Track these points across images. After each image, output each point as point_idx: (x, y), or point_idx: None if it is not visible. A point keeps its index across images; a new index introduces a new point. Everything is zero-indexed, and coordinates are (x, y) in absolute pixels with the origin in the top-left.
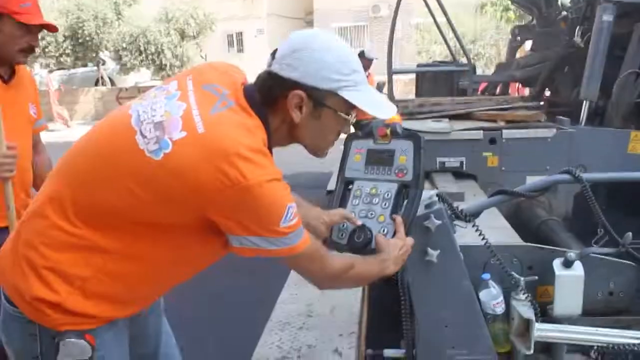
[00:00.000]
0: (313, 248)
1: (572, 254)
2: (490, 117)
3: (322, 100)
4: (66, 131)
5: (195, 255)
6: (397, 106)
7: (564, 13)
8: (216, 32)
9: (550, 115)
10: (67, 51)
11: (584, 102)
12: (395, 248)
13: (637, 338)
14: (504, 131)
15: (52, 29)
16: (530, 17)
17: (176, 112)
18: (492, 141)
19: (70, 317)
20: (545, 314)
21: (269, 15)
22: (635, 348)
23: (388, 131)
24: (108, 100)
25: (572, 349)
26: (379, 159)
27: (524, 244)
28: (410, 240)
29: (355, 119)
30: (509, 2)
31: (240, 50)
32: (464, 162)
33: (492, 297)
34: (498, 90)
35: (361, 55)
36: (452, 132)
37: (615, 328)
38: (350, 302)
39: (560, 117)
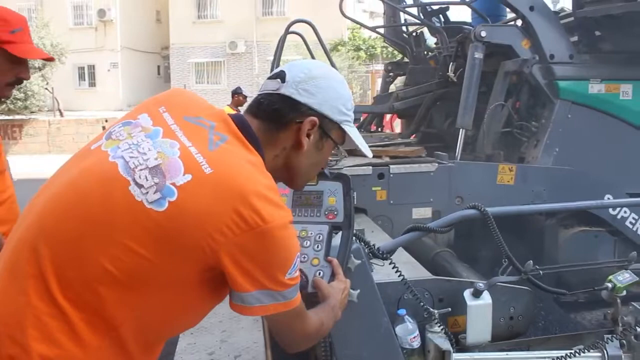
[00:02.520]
0: (302, 305)
1: (481, 284)
2: (375, 153)
3: (329, 131)
4: None
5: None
6: None
7: (432, 53)
8: (66, 65)
9: (426, 148)
10: None
11: (460, 131)
12: (339, 292)
13: (539, 357)
14: (391, 166)
15: (49, 59)
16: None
17: (171, 153)
18: (381, 176)
19: None
20: (457, 343)
21: (123, 49)
22: None
23: None
24: None
25: None
26: (307, 201)
27: (434, 277)
28: (349, 282)
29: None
30: (360, 43)
31: (92, 84)
32: (355, 197)
33: (408, 331)
34: (372, 127)
35: (238, 92)
36: (343, 168)
37: (518, 350)
38: (252, 347)
39: (438, 152)
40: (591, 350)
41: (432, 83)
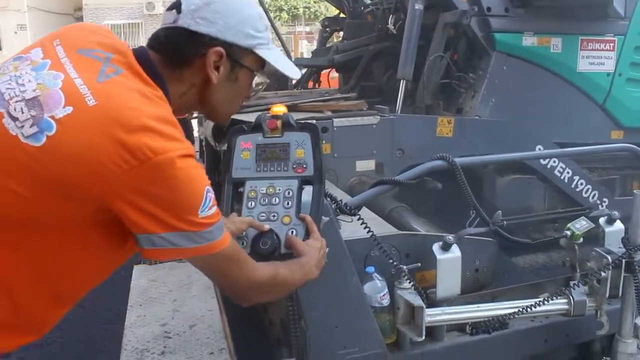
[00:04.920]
0: (235, 248)
1: (450, 237)
2: (316, 108)
3: (240, 59)
4: None
5: (87, 265)
6: None
7: (369, 8)
8: None
9: (366, 102)
10: None
11: (401, 83)
12: (315, 250)
13: (510, 307)
14: (335, 120)
15: None
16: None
17: (53, 84)
18: (324, 130)
19: None
20: (426, 299)
21: (31, 9)
22: (501, 318)
23: (279, 123)
24: None
25: (451, 328)
26: (272, 155)
27: (401, 232)
28: (325, 241)
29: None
30: (282, 4)
31: None
32: None
33: (377, 290)
34: (309, 83)
35: None
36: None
37: (484, 302)
38: (207, 315)
39: (379, 106)
40: (558, 298)
41: (371, 36)
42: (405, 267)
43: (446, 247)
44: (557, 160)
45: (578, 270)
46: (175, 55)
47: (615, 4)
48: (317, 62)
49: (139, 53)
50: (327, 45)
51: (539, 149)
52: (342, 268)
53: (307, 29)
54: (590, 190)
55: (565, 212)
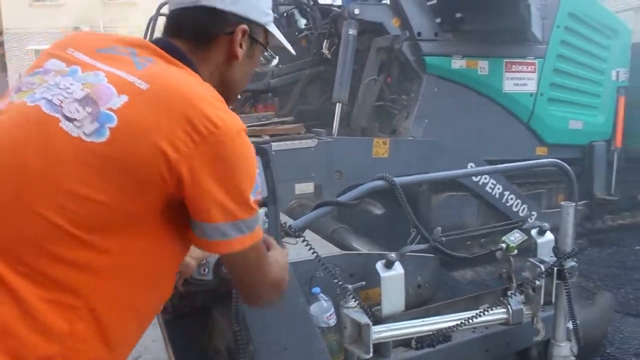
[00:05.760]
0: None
1: (393, 255)
2: (254, 133)
3: (257, 36)
4: None
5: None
6: None
7: (303, 33)
8: None
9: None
10: None
11: (337, 106)
12: (281, 256)
13: (453, 320)
14: (273, 144)
15: None
16: None
17: (97, 80)
18: None
19: None
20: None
21: None
22: (444, 331)
23: None
24: None
25: (397, 344)
26: None
27: (345, 252)
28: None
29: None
30: None
31: None
32: None
33: (324, 310)
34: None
35: None
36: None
37: (428, 317)
38: (151, 346)
39: (316, 129)
40: (497, 308)
41: (306, 61)
42: (350, 286)
43: (389, 265)
44: (488, 177)
45: (514, 281)
46: (201, 35)
47: (534, 29)
48: (254, 86)
49: (162, 43)
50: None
51: (471, 167)
52: (289, 290)
53: None
54: (519, 204)
55: (501, 225)
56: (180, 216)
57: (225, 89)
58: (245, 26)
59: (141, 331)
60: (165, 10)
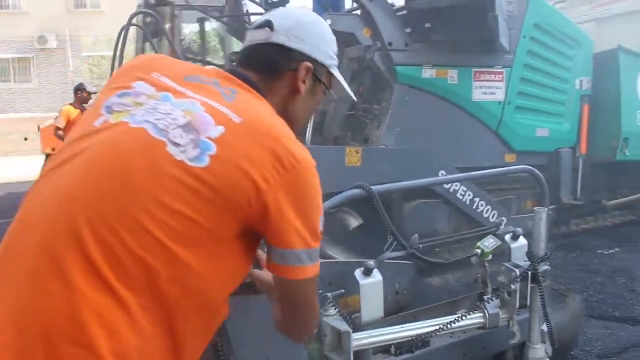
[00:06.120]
0: None
1: (371, 263)
2: None
3: (320, 76)
4: None
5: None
6: None
7: None
8: None
9: None
10: None
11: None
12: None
13: (431, 326)
14: None
15: None
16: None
17: (196, 110)
18: None
19: None
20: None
21: None
22: (423, 337)
23: None
24: None
25: (376, 351)
26: None
27: (323, 260)
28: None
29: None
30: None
31: None
32: None
33: None
34: None
35: (81, 88)
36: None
37: (407, 323)
38: None
39: None
40: (474, 313)
41: None
42: (329, 294)
43: (368, 273)
44: (459, 184)
45: (490, 286)
46: (271, 69)
47: (502, 39)
48: None
49: (237, 73)
50: None
51: (442, 174)
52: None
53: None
54: (490, 210)
55: (476, 232)
56: (245, 245)
57: (288, 121)
58: (309, 64)
59: (203, 347)
60: (136, 21)
